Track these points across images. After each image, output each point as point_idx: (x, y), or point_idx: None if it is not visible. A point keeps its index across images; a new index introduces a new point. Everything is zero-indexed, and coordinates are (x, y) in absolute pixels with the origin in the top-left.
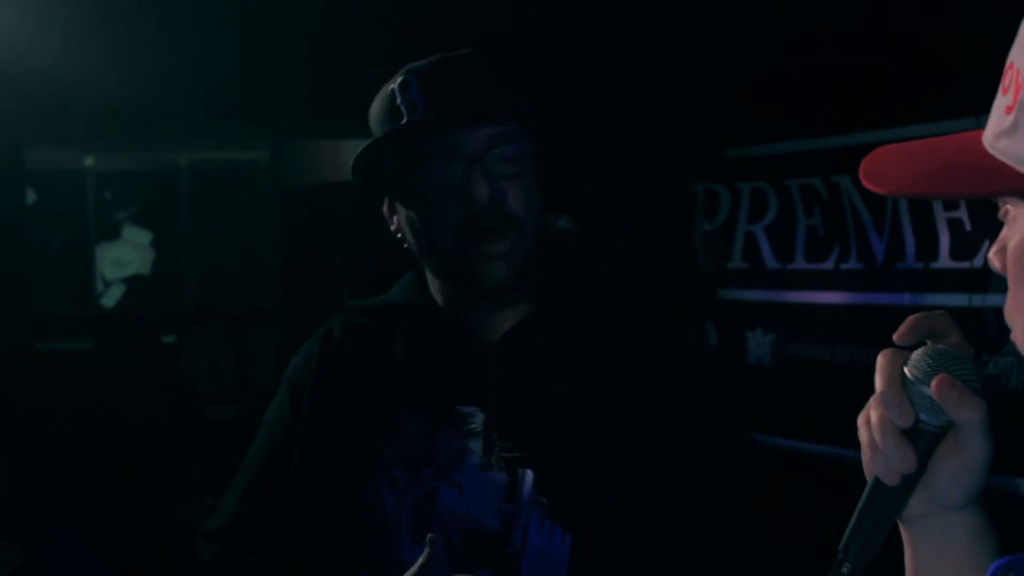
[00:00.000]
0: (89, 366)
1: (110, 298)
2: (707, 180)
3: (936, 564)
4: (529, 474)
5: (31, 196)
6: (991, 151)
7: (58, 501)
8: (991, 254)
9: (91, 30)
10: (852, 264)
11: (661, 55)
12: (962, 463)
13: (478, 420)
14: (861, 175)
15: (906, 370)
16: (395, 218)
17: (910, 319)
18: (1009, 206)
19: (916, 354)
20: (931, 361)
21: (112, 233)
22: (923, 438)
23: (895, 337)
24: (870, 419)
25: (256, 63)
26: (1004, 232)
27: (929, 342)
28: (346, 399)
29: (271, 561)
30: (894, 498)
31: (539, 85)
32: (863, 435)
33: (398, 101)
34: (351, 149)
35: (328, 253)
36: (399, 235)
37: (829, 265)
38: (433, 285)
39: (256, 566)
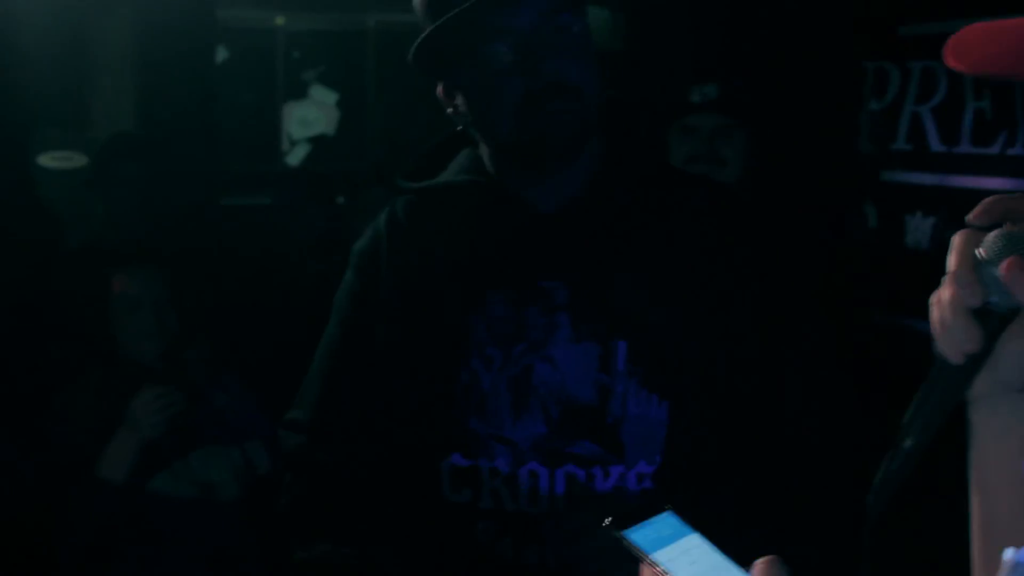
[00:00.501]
0: (270, 221)
1: (295, 156)
2: (878, 58)
3: (995, 444)
4: (622, 344)
5: (222, 54)
6: None
7: (226, 352)
8: None
9: None
10: (1018, 150)
11: None
12: None
13: (563, 294)
14: (946, 51)
15: (978, 251)
16: (452, 100)
17: (987, 200)
18: None
19: (990, 235)
20: (1004, 243)
21: (299, 92)
22: (991, 319)
23: (969, 217)
24: (942, 298)
25: None
26: None
27: (1007, 224)
28: (426, 280)
29: (354, 457)
30: (958, 377)
31: None
32: (934, 313)
33: None
34: None
35: None
36: (455, 116)
37: (995, 150)
38: (490, 162)
39: (330, 481)
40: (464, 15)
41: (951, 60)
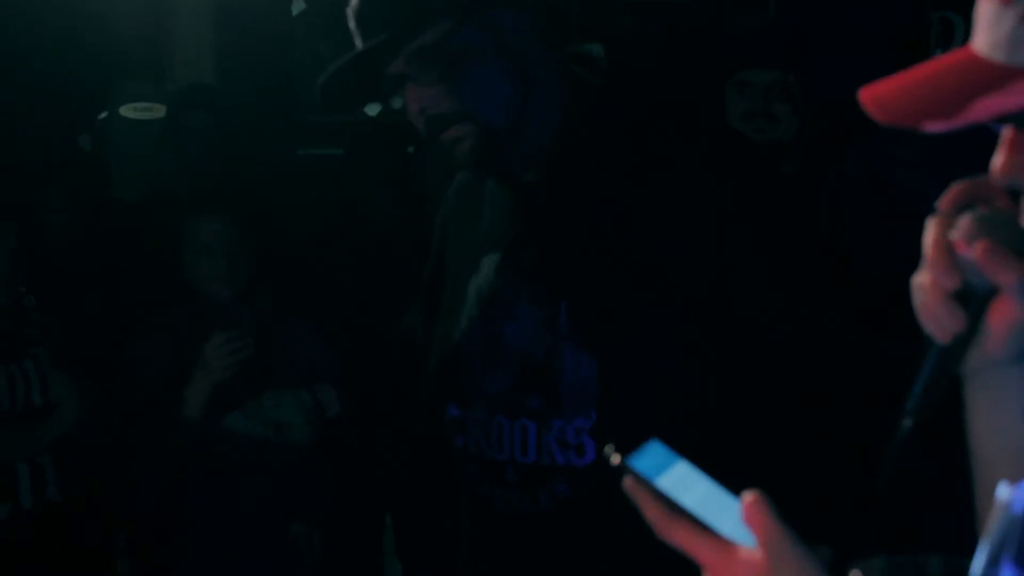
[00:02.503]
0: (342, 171)
1: (372, 107)
2: (943, 7)
3: (990, 415)
4: (564, 305)
5: (299, 5)
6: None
7: (295, 298)
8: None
9: None
10: None
11: None
12: (1007, 321)
13: (530, 258)
14: (865, 103)
15: (951, 236)
16: None
17: (954, 187)
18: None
19: (962, 219)
20: (975, 226)
21: None
22: (973, 300)
23: (939, 205)
24: (922, 283)
25: None
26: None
27: (979, 206)
28: (454, 243)
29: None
30: (950, 356)
31: None
32: (917, 298)
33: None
34: None
35: None
36: None
37: None
38: None
39: None
40: (351, 69)
41: (872, 111)
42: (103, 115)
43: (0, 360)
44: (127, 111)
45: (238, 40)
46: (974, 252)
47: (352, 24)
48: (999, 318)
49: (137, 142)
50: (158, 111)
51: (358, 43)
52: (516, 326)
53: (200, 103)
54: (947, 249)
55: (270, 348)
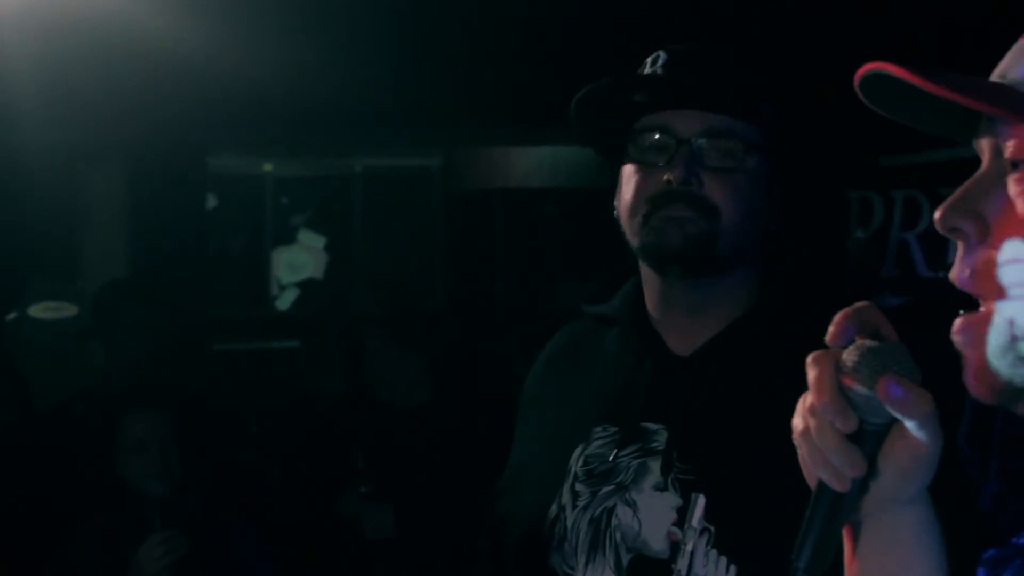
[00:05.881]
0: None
1: (284, 301)
2: (861, 188)
3: (881, 559)
4: (701, 499)
5: (212, 201)
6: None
7: (229, 494)
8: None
9: (271, 39)
10: None
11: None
12: (912, 457)
13: (662, 438)
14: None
15: (842, 377)
16: (615, 201)
17: (838, 317)
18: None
19: (848, 354)
20: (867, 360)
21: (288, 237)
22: (868, 439)
23: (828, 340)
24: (809, 428)
25: (429, 71)
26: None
27: (859, 339)
28: (555, 406)
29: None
30: (845, 503)
31: (786, 90)
32: (802, 446)
33: (645, 69)
34: (521, 155)
35: (493, 257)
36: (619, 220)
37: None
38: (646, 291)
39: None
40: (632, 84)
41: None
42: (11, 316)
43: None
44: (37, 311)
45: (150, 236)
46: (878, 393)
47: (664, 62)
48: (903, 455)
49: (51, 343)
50: (69, 310)
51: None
52: (632, 511)
53: (130, 298)
54: (839, 387)
55: (206, 547)
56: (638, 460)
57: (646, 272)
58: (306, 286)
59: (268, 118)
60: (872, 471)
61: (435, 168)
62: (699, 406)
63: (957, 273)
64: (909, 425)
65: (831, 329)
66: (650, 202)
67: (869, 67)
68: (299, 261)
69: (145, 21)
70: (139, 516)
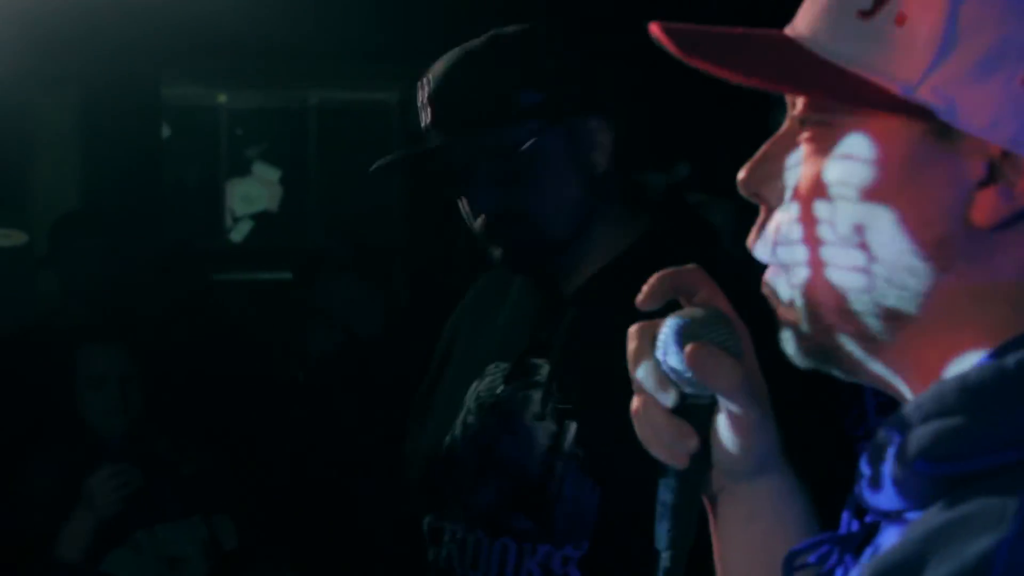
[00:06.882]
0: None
1: (238, 233)
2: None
3: (744, 532)
4: (573, 425)
5: (166, 131)
6: (825, 55)
7: (195, 424)
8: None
9: None
10: None
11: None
12: (739, 428)
13: (544, 372)
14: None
15: (656, 352)
16: None
17: (652, 279)
18: (809, 129)
19: (662, 328)
20: (676, 330)
21: (242, 169)
22: (697, 413)
23: (638, 303)
24: (637, 409)
25: (386, 3)
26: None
27: (686, 305)
28: (461, 350)
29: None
30: (692, 479)
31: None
32: (639, 428)
33: (420, 102)
34: None
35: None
36: None
37: None
38: None
39: None
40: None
41: (667, 42)
42: None
43: None
44: None
45: (104, 165)
46: (686, 362)
47: (426, 112)
48: (730, 427)
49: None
50: (18, 237)
51: (428, 127)
52: (514, 439)
53: (86, 228)
54: (655, 363)
55: (164, 478)
56: (522, 392)
57: None
58: (260, 218)
59: (222, 48)
60: (709, 445)
61: (392, 102)
62: (577, 341)
63: (752, 240)
64: (720, 398)
65: (641, 293)
66: (475, 239)
67: (652, 29)
68: (254, 193)
69: None
70: (96, 449)
